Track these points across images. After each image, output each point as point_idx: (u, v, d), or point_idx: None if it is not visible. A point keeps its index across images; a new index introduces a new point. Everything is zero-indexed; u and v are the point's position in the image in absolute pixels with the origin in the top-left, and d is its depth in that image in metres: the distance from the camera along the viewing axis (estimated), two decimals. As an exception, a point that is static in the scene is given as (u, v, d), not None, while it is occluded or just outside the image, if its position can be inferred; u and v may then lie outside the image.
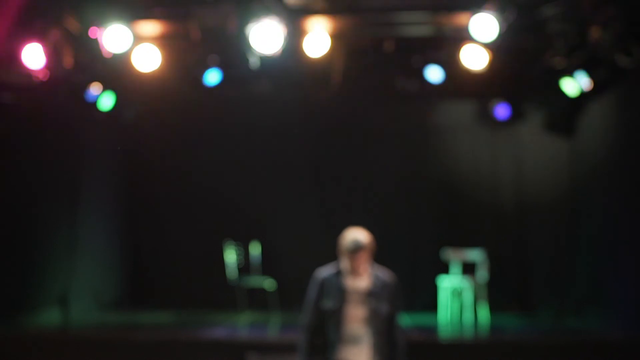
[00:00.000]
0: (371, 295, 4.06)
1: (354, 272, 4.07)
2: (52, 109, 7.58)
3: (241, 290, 8.11)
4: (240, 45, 6.43)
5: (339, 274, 4.12)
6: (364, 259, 4.05)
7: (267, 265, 8.27)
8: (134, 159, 9.21)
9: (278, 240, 8.63)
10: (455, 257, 8.00)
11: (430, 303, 8.02)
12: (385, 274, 4.16)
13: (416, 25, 6.96)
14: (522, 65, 7.58)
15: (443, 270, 8.07)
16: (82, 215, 8.43)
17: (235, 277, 8.08)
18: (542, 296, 8.54)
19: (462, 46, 6.90)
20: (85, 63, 6.87)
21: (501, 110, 8.61)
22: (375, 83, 8.26)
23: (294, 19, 6.50)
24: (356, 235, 4.06)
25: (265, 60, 6.76)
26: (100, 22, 6.31)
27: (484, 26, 6.20)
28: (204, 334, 6.91)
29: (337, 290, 4.06)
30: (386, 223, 8.41)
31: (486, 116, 8.83)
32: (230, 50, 6.88)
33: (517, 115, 8.62)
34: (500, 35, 6.23)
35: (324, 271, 4.19)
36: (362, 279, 4.09)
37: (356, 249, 4.01)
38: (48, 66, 6.49)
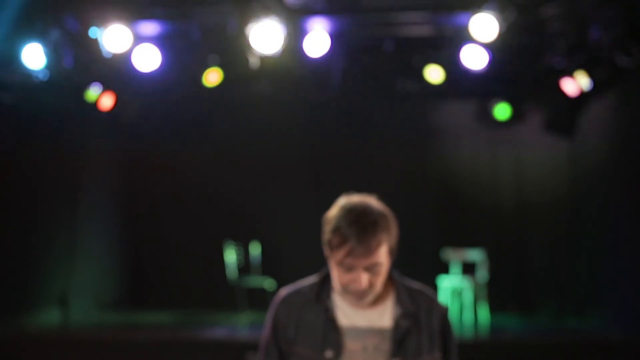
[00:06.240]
0: (398, 341, 2.01)
1: (357, 290, 1.98)
2: (52, 109, 7.59)
3: (241, 290, 8.10)
4: (240, 45, 6.43)
5: (322, 294, 2.09)
6: (378, 258, 1.96)
7: (267, 265, 8.27)
8: (134, 159, 9.21)
9: (278, 240, 8.63)
10: (455, 257, 8.00)
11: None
12: (421, 293, 2.12)
13: (416, 25, 6.96)
14: (522, 65, 7.58)
15: (443, 270, 8.07)
16: (82, 215, 8.43)
17: (235, 277, 8.08)
18: (542, 296, 8.54)
19: (462, 46, 6.90)
20: (85, 63, 6.87)
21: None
22: (375, 83, 8.26)
23: (294, 19, 6.50)
24: (359, 204, 2.01)
25: (265, 60, 6.76)
26: (100, 22, 6.31)
27: (484, 26, 6.20)
28: (204, 334, 6.91)
29: (320, 331, 2.03)
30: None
31: (486, 116, 8.83)
32: (230, 50, 6.88)
33: (517, 115, 8.62)
34: (500, 35, 6.23)
35: (293, 291, 2.14)
36: (374, 305, 2.06)
37: (359, 233, 1.92)
38: (48, 66, 6.50)
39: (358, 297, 1.99)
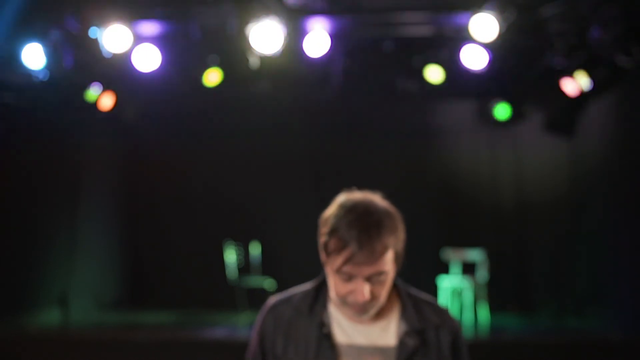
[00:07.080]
0: None
1: (357, 303, 1.71)
2: (52, 109, 7.59)
3: (241, 290, 8.10)
4: (240, 45, 6.43)
5: (316, 305, 1.83)
6: (383, 266, 1.68)
7: (267, 265, 8.27)
8: (134, 159, 9.21)
9: (278, 240, 8.63)
10: (455, 257, 8.00)
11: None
12: (430, 306, 1.85)
13: (416, 25, 6.96)
14: (522, 65, 7.58)
15: (443, 270, 8.07)
16: (82, 215, 8.43)
17: (235, 277, 8.08)
18: (542, 296, 8.54)
19: (462, 46, 6.90)
20: (85, 63, 6.87)
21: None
22: (375, 83, 8.26)
23: (294, 19, 6.50)
24: (361, 202, 1.73)
25: (265, 60, 6.76)
26: (100, 22, 6.31)
27: (484, 26, 6.20)
28: (204, 334, 6.91)
29: (312, 348, 1.77)
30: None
31: (486, 116, 8.83)
32: (230, 50, 6.88)
33: (517, 115, 8.63)
34: (500, 35, 6.23)
35: (283, 299, 1.89)
36: (376, 319, 1.79)
37: (360, 236, 1.65)
38: (48, 66, 6.50)
39: (358, 310, 1.71)
